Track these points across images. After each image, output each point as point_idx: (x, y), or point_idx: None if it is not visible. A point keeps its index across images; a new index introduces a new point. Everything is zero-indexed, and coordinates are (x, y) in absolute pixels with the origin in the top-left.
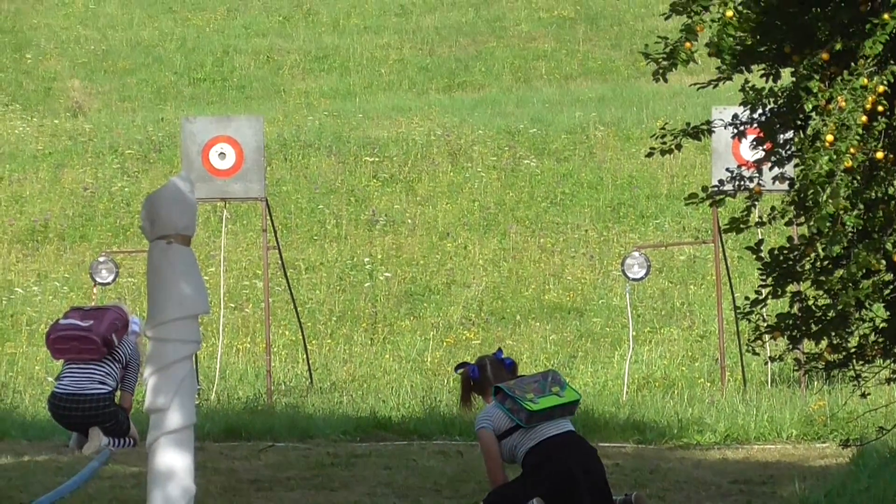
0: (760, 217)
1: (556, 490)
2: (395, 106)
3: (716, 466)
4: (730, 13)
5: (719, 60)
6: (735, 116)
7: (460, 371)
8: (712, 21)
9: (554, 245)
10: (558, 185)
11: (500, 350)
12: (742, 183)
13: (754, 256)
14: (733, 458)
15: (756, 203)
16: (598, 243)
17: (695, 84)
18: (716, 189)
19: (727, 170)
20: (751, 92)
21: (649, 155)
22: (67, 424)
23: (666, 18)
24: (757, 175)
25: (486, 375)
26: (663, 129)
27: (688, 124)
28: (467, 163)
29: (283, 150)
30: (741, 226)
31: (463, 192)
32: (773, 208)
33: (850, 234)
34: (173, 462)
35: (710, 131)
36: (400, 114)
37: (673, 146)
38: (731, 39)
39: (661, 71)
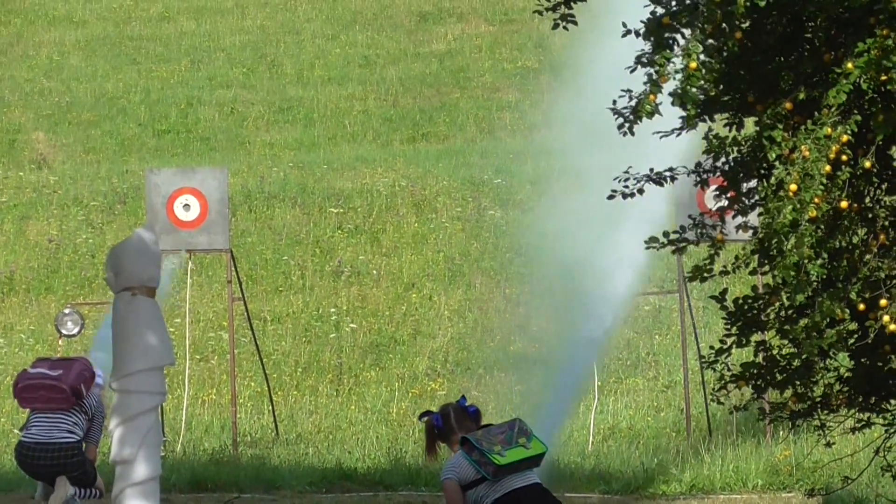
0: (724, 266)
1: None
2: (359, 157)
3: None
4: (693, 65)
5: (682, 110)
6: (698, 165)
7: (424, 420)
8: (676, 72)
9: (519, 296)
10: (523, 236)
11: (463, 398)
12: (705, 231)
13: (719, 306)
14: None
15: (719, 252)
16: (563, 294)
17: (658, 132)
18: (678, 235)
19: (689, 217)
20: (714, 140)
21: (610, 198)
22: (35, 474)
23: (631, 72)
24: (720, 224)
25: (450, 423)
26: (626, 172)
27: (651, 170)
28: (432, 213)
29: (247, 201)
30: (705, 274)
31: (428, 243)
32: (736, 257)
33: (814, 283)
34: None
35: (673, 178)
36: (364, 164)
37: (635, 190)
38: (695, 91)
39: (626, 125)
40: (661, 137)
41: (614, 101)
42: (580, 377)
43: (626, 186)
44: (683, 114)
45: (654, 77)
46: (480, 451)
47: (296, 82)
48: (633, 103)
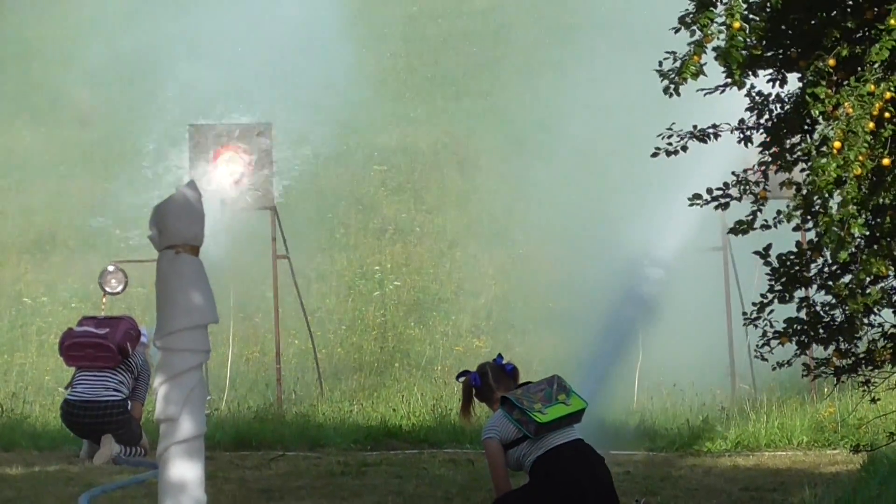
0: (766, 221)
1: (564, 498)
2: (402, 115)
3: (726, 474)
4: (737, 24)
5: (726, 70)
6: (741, 121)
7: (462, 379)
8: (719, 31)
9: (563, 254)
10: (566, 194)
11: (500, 356)
12: (748, 187)
13: (762, 261)
14: (744, 466)
15: (762, 208)
16: (607, 253)
17: (701, 90)
18: (721, 191)
19: (732, 173)
20: (757, 97)
21: (654, 155)
22: (80, 432)
23: (676, 32)
24: (763, 180)
25: (488, 382)
26: (670, 129)
27: (694, 127)
28: (475, 171)
29: (291, 157)
30: (746, 227)
31: (471, 201)
32: (778, 212)
33: (857, 240)
34: (184, 472)
35: (717, 135)
36: (407, 122)
37: (679, 148)
38: (738, 51)
39: (672, 87)
40: (704, 94)
41: (660, 63)
42: (624, 335)
43: (670, 144)
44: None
45: (698, 38)
46: (521, 410)
47: (337, 40)
48: (677, 65)
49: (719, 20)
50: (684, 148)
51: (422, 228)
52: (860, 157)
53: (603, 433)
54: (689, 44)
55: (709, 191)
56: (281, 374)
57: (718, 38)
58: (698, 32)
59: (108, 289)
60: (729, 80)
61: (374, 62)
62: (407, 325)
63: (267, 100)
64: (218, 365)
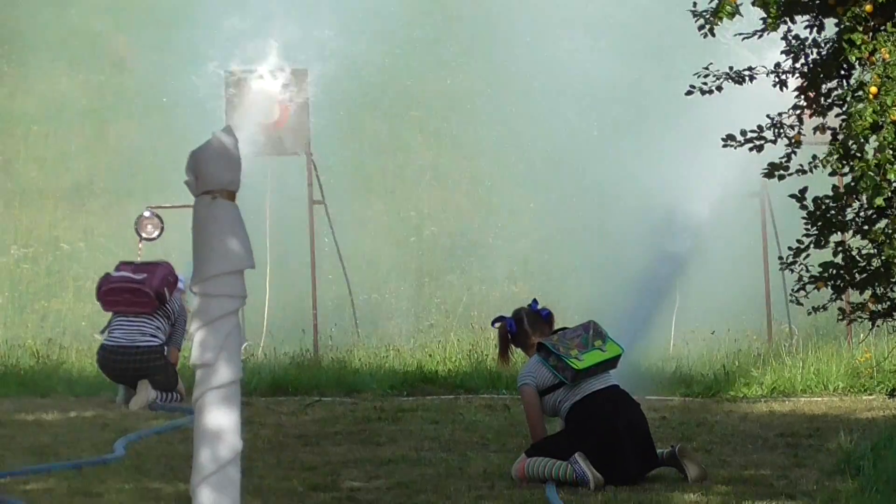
0: (801, 165)
1: (600, 444)
2: (439, 60)
3: (762, 419)
4: None
5: (763, 12)
6: (777, 65)
7: (497, 325)
8: None
9: (600, 201)
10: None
11: (535, 301)
12: (782, 130)
13: (798, 205)
14: (780, 411)
15: (796, 151)
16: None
17: (739, 34)
18: (755, 133)
19: (767, 116)
20: (793, 41)
21: (689, 93)
22: (116, 377)
23: None
24: (798, 124)
25: (524, 328)
26: (706, 69)
27: (730, 68)
28: (512, 117)
29: (328, 104)
30: (781, 171)
31: (508, 146)
32: (814, 157)
33: (893, 185)
34: (220, 418)
35: (752, 77)
36: (442, 67)
37: (714, 87)
38: None
39: (707, 27)
40: (742, 39)
41: (694, 3)
42: (662, 280)
43: (705, 83)
44: (764, 15)
45: None
46: (557, 356)
47: None
48: (713, 4)
49: None
50: (719, 88)
51: (459, 174)
52: None
53: (639, 379)
54: None
55: (742, 132)
56: (317, 320)
57: None
58: None
59: (144, 234)
60: (765, 25)
61: (411, 6)
62: (443, 271)
63: (303, 46)
64: (254, 311)
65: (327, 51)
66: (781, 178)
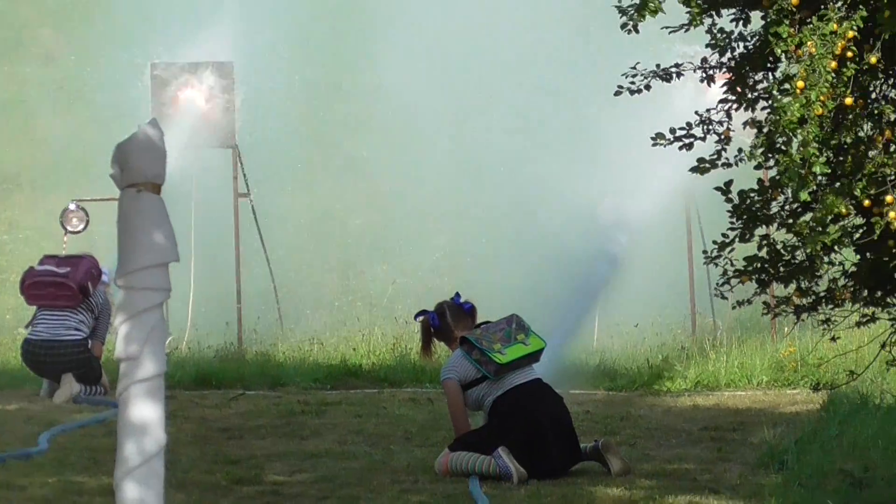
0: (727, 159)
1: (523, 438)
2: (363, 50)
3: (686, 413)
4: None
5: (686, 7)
6: (704, 60)
7: (420, 319)
8: None
9: (528, 192)
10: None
11: (457, 294)
12: (711, 127)
13: (724, 198)
14: (704, 405)
15: (726, 147)
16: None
17: (666, 27)
18: (685, 131)
19: (696, 112)
20: (719, 35)
21: (617, 94)
22: (40, 371)
23: None
24: (726, 119)
25: (447, 322)
26: (634, 68)
27: (657, 66)
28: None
29: (251, 96)
30: (707, 165)
31: (437, 138)
32: (740, 150)
33: (819, 179)
34: (145, 412)
35: (679, 74)
36: (366, 59)
37: (642, 87)
38: None
39: (630, 23)
40: (669, 33)
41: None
42: (587, 273)
43: (633, 83)
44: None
45: None
46: (481, 351)
47: None
48: (636, 1)
49: None
50: (647, 87)
51: (385, 166)
52: (822, 97)
53: (563, 372)
54: None
55: (671, 130)
56: (241, 314)
57: None
58: None
59: (69, 227)
60: (690, 21)
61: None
62: (367, 263)
63: (228, 38)
64: (179, 304)
65: (253, 43)
66: (706, 171)
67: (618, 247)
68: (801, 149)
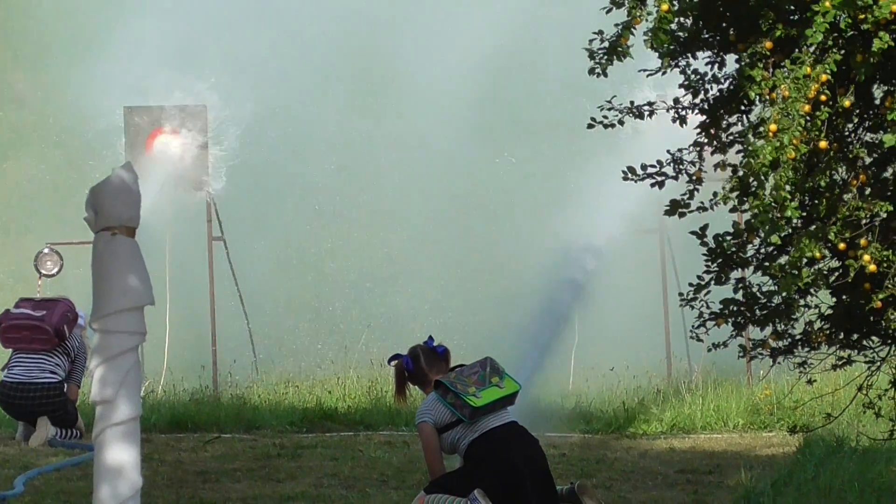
0: (702, 203)
1: (499, 481)
2: (342, 99)
3: (662, 456)
4: (665, 6)
5: (656, 53)
6: (676, 100)
7: (394, 363)
8: (649, 14)
9: (499, 237)
10: (503, 180)
11: (430, 338)
12: (683, 167)
13: (699, 242)
14: (680, 448)
15: (698, 188)
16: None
17: (643, 70)
18: (656, 168)
19: (667, 151)
20: (692, 76)
21: (590, 127)
22: (16, 414)
23: (607, 13)
24: (698, 160)
25: (421, 365)
26: (609, 102)
27: (631, 102)
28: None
29: (225, 140)
30: (682, 209)
31: (411, 183)
32: (714, 194)
33: (793, 222)
34: (120, 454)
35: (652, 113)
36: (344, 106)
37: (616, 121)
38: (665, 35)
39: (598, 67)
40: (647, 76)
41: (590, 42)
42: (559, 319)
43: (606, 117)
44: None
45: (629, 20)
46: (455, 394)
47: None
48: (605, 45)
49: (650, 2)
50: (621, 122)
51: (359, 211)
52: (794, 141)
53: (538, 415)
54: (616, 25)
55: (643, 167)
56: (216, 357)
57: (648, 21)
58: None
59: (43, 271)
60: (666, 65)
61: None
62: (342, 307)
63: (203, 82)
64: (154, 347)
65: (226, 88)
66: (682, 215)
67: (583, 274)
68: (774, 192)
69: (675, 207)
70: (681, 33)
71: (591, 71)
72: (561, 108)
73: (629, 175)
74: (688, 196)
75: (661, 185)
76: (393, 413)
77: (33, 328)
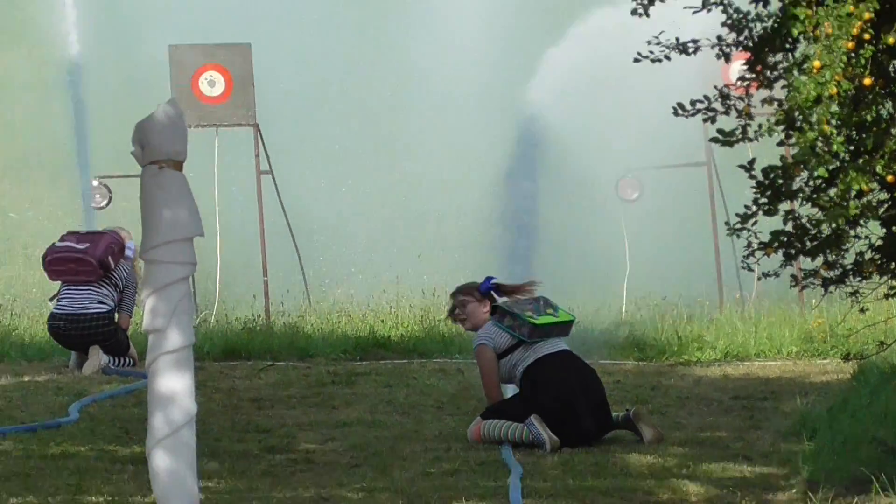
0: (749, 136)
1: (555, 405)
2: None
3: (717, 383)
4: None
5: None
6: (720, 38)
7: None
8: None
9: (548, 165)
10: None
11: (488, 279)
12: (731, 102)
13: (747, 175)
14: (734, 375)
15: (749, 123)
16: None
17: (689, 7)
18: (704, 104)
19: (715, 87)
20: (735, 14)
21: (636, 61)
22: (67, 344)
23: None
24: (746, 96)
25: (488, 295)
26: (657, 37)
27: (677, 39)
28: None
29: (271, 74)
30: (730, 139)
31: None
32: (760, 126)
33: (840, 156)
34: (173, 382)
35: (697, 49)
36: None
37: (662, 57)
38: None
39: (641, 6)
40: (693, 13)
41: None
42: (610, 247)
43: (652, 52)
44: None
45: None
46: (513, 315)
47: None
48: None
49: None
50: (667, 57)
51: (404, 143)
52: (836, 77)
53: (592, 343)
54: None
55: (692, 103)
56: (268, 287)
57: None
58: None
59: (92, 204)
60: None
61: None
62: (394, 237)
63: (248, 18)
64: (205, 277)
65: (273, 21)
66: (730, 145)
67: (636, 213)
68: (817, 127)
69: (724, 137)
70: None
71: (634, 11)
72: None
73: (679, 111)
74: (740, 131)
75: (712, 119)
76: (447, 341)
77: (77, 260)
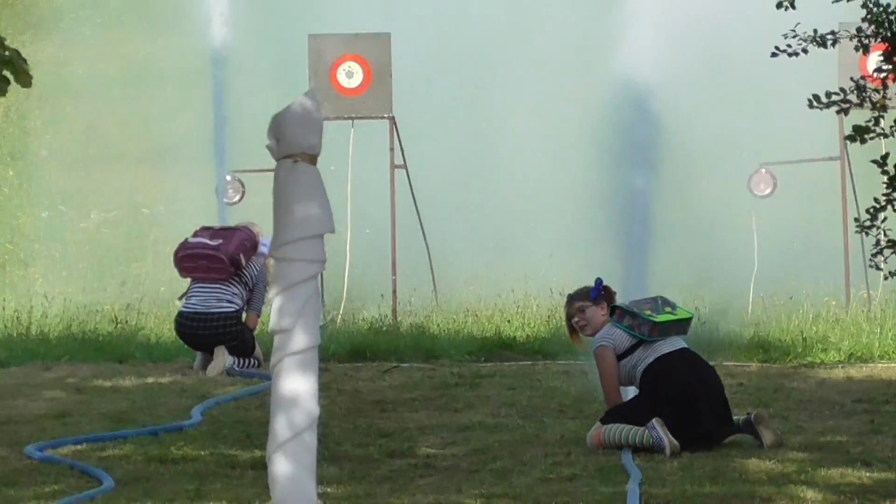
0: (884, 130)
1: (677, 408)
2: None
3: (840, 385)
4: None
5: None
6: (859, 30)
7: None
8: None
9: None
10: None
11: (599, 280)
12: (866, 94)
13: (880, 171)
14: (857, 377)
15: (883, 115)
16: (723, 158)
17: None
18: (840, 96)
19: (851, 79)
20: (875, 8)
21: (774, 55)
22: (193, 343)
23: None
24: (882, 89)
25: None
26: (793, 30)
27: (815, 31)
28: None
29: (410, 67)
30: (866, 136)
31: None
32: (895, 121)
33: None
34: (297, 384)
35: (835, 42)
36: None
37: (799, 50)
38: None
39: (787, 1)
40: (833, 2)
41: None
42: (737, 244)
43: (790, 46)
44: None
45: None
46: (632, 315)
47: None
48: None
49: None
50: (805, 51)
51: (537, 137)
52: None
53: (717, 344)
54: None
55: (827, 94)
56: (396, 286)
57: None
58: None
59: (225, 199)
60: None
61: None
62: (523, 235)
63: (386, 9)
64: (334, 276)
65: (411, 14)
66: (864, 141)
67: (766, 209)
68: None
69: (859, 133)
70: None
71: (779, 5)
72: None
73: (814, 103)
74: (874, 123)
75: (846, 112)
76: (572, 343)
77: (209, 257)
